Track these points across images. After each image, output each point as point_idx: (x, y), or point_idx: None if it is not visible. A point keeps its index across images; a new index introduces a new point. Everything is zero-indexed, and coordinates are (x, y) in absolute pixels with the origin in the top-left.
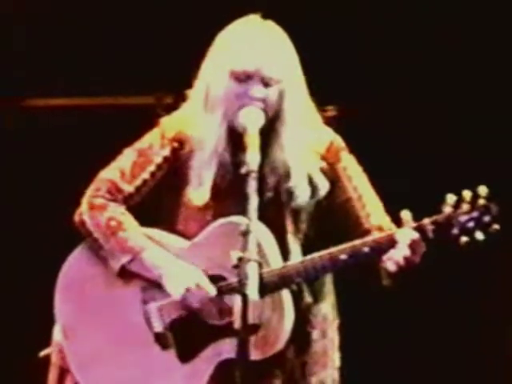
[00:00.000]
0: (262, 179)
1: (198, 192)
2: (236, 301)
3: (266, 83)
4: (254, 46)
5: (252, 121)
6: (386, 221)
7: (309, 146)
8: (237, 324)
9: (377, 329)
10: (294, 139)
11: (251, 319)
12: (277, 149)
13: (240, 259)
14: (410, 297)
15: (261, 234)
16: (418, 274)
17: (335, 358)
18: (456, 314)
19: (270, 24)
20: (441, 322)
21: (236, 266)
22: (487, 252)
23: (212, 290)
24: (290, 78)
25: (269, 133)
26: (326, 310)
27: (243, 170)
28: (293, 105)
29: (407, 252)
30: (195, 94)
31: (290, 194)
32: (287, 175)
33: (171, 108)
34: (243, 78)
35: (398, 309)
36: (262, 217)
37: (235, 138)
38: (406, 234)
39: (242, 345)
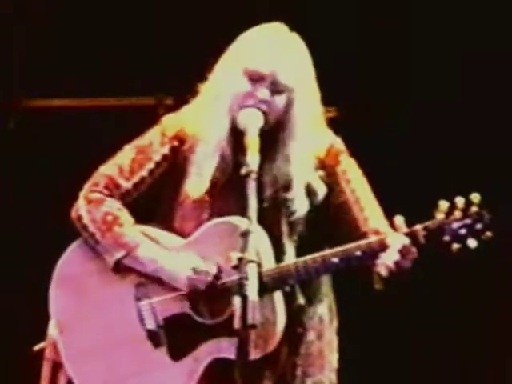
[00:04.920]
0: (260, 188)
1: (197, 183)
2: (235, 301)
3: (276, 89)
4: (273, 50)
5: (251, 122)
6: (383, 224)
7: (310, 153)
8: (236, 324)
9: (376, 331)
10: (301, 152)
11: (250, 319)
12: (282, 160)
13: (240, 260)
14: (409, 300)
15: (256, 234)
16: (418, 277)
17: (333, 360)
18: (457, 318)
19: (294, 35)
20: (441, 325)
21: (236, 267)
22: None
23: (212, 268)
24: (303, 89)
25: (275, 143)
26: (322, 311)
27: (243, 171)
28: (302, 117)
29: (397, 257)
30: (206, 88)
31: (287, 205)
32: (287, 187)
33: (172, 109)
34: (255, 78)
35: (397, 312)
36: (258, 218)
37: (237, 137)
38: (397, 239)
39: (241, 345)
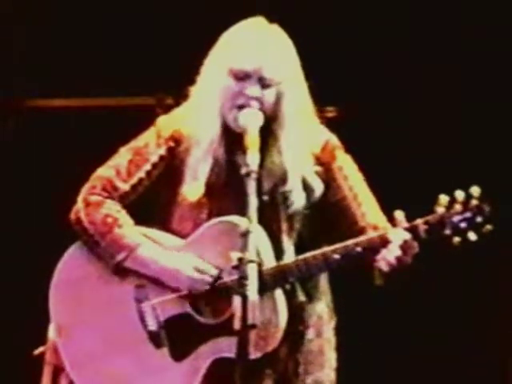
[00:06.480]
0: (258, 181)
1: (193, 187)
2: (235, 301)
3: (264, 84)
4: (255, 46)
5: (252, 122)
6: (381, 220)
7: (305, 148)
8: (236, 325)
9: (374, 330)
10: (292, 143)
11: (250, 319)
12: (275, 152)
13: (240, 260)
14: (408, 297)
15: (255, 233)
16: (417, 274)
17: (332, 359)
18: (456, 316)
19: (274, 27)
20: (440, 323)
21: (236, 267)
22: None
23: (212, 271)
24: (290, 80)
25: (267, 136)
26: (321, 309)
27: (243, 171)
28: (292, 108)
29: (399, 252)
30: (195, 90)
31: (285, 198)
32: (284, 179)
33: (171, 109)
34: (241, 76)
35: (395, 310)
36: (258, 216)
37: (230, 137)
38: (398, 235)
39: (241, 344)
